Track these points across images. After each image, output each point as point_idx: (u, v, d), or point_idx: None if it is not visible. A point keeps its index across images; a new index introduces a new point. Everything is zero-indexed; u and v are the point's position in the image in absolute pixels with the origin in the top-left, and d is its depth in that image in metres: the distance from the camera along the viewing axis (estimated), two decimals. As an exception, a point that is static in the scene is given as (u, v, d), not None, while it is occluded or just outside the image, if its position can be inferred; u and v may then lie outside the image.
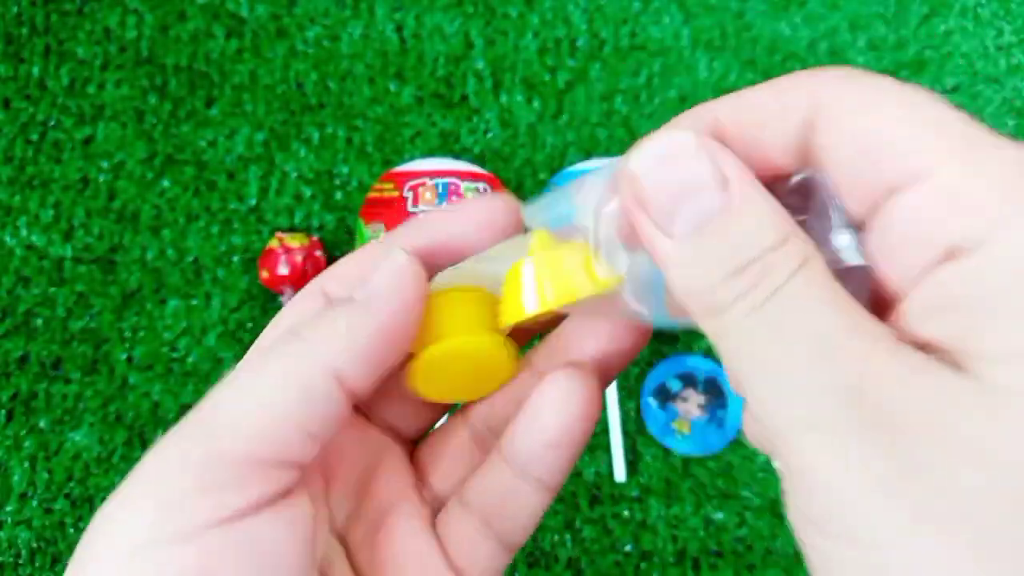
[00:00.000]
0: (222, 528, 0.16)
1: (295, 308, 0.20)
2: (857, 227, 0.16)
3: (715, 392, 0.48)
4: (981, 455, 0.12)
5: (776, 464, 0.15)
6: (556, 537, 0.46)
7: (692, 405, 0.47)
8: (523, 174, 0.52)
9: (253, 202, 0.51)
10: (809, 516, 0.14)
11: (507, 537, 0.20)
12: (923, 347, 0.14)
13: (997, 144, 0.14)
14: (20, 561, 0.45)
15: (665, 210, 0.15)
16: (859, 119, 0.15)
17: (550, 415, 0.19)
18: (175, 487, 0.16)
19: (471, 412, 0.22)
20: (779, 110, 0.16)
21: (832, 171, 0.16)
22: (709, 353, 0.48)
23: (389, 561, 0.20)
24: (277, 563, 0.16)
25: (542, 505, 0.20)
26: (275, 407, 0.16)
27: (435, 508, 0.21)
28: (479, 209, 0.19)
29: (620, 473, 0.46)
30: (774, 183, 0.16)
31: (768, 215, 0.15)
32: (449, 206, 0.20)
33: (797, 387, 0.14)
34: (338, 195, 0.51)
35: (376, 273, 0.18)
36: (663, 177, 0.16)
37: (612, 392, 0.47)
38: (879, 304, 0.15)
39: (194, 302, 0.49)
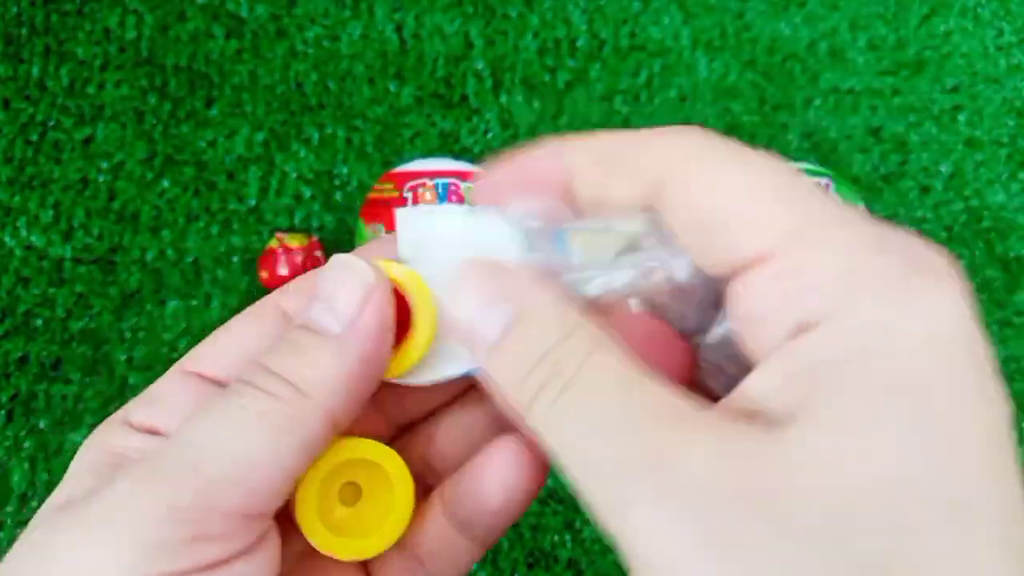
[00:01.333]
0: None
1: (249, 324, 0.19)
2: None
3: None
4: (772, 512, 0.13)
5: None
6: (556, 537, 0.46)
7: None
8: (523, 174, 0.52)
9: (253, 202, 0.51)
10: None
11: None
12: (756, 416, 0.14)
13: (842, 220, 0.15)
14: (20, 562, 0.45)
15: (474, 333, 0.17)
16: (705, 193, 0.15)
17: (495, 484, 0.19)
18: (161, 533, 0.15)
19: (410, 444, 0.21)
20: (631, 168, 0.16)
21: (680, 235, 0.16)
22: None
23: None
24: None
25: (476, 556, 0.21)
26: (277, 462, 0.16)
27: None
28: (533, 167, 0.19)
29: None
30: None
31: (551, 315, 0.16)
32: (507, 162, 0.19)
33: (603, 470, 0.14)
34: (338, 195, 0.51)
35: (347, 294, 0.17)
36: (467, 309, 0.17)
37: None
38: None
39: (194, 303, 0.49)
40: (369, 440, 0.19)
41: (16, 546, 0.16)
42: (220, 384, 0.18)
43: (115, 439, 0.18)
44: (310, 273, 0.20)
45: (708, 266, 0.16)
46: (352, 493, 0.19)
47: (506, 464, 0.19)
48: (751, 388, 0.14)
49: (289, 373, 0.17)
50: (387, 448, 0.19)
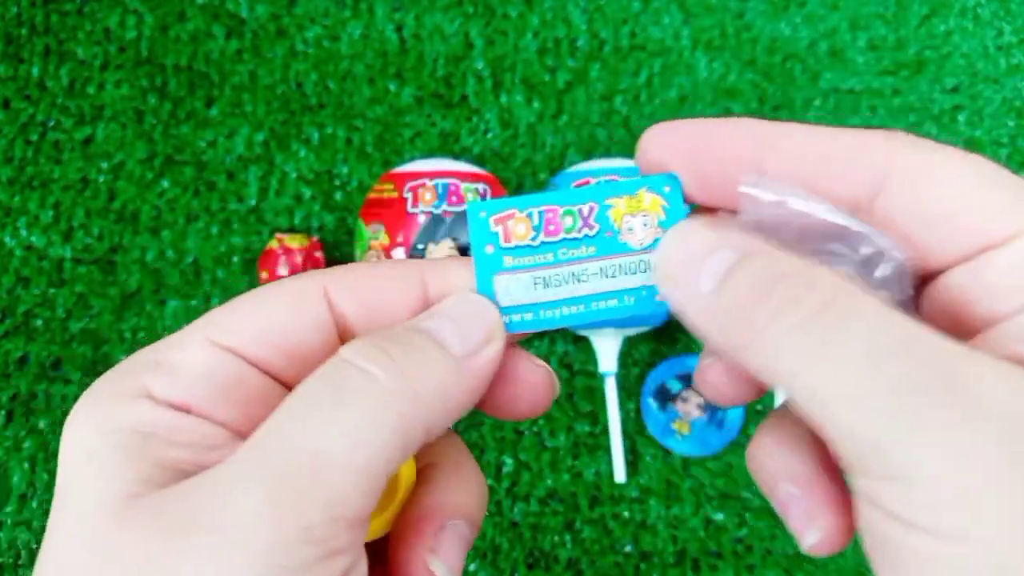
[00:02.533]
0: None
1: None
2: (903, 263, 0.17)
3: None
4: None
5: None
6: (556, 538, 0.46)
7: (692, 406, 0.47)
8: (523, 174, 0.52)
9: (253, 202, 0.51)
10: (911, 518, 0.13)
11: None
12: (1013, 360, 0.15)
13: None
14: (20, 562, 0.45)
15: (690, 275, 0.17)
16: (936, 186, 0.16)
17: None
18: (295, 557, 0.14)
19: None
20: (849, 168, 0.17)
21: (906, 226, 0.17)
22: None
23: None
24: None
25: None
26: (387, 463, 0.15)
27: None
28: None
29: (620, 474, 0.46)
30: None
31: (782, 254, 0.16)
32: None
33: (874, 399, 0.13)
34: (338, 195, 0.51)
35: (475, 327, 0.17)
36: (681, 253, 0.17)
37: (612, 393, 0.47)
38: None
39: (194, 303, 0.49)
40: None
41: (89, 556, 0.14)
42: (244, 358, 0.17)
43: (138, 414, 0.16)
44: (359, 265, 0.19)
45: (935, 256, 0.16)
46: None
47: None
48: (1004, 336, 0.15)
49: (408, 367, 0.16)
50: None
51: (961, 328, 0.16)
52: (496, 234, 0.19)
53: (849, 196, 0.17)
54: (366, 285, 0.18)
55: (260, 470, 0.14)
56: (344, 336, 0.18)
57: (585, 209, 0.19)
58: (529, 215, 0.19)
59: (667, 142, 0.19)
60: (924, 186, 0.16)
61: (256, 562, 0.13)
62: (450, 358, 0.17)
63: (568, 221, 0.19)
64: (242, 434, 0.16)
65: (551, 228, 0.19)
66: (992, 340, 0.15)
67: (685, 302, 0.17)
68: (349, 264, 0.19)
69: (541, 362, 0.19)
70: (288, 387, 0.17)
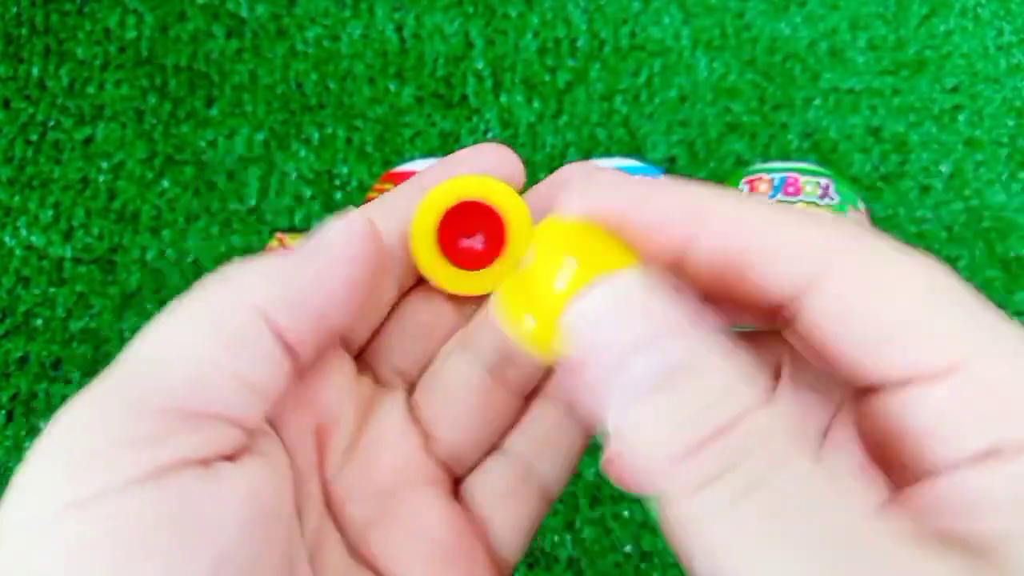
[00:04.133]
0: (143, 486, 0.13)
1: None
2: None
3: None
4: None
5: None
6: (556, 537, 0.46)
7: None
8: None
9: (253, 202, 0.51)
10: None
11: (547, 486, 0.19)
12: (949, 535, 0.13)
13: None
14: (20, 562, 0.45)
15: (610, 368, 0.13)
16: (871, 294, 0.14)
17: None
18: (88, 444, 0.14)
19: (472, 342, 0.19)
20: (780, 266, 0.14)
21: (831, 339, 0.14)
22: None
23: (405, 543, 0.17)
24: (215, 532, 0.14)
25: (582, 444, 0.19)
26: (199, 350, 0.15)
27: (449, 467, 0.19)
28: (483, 157, 0.19)
29: (620, 473, 0.46)
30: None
31: (737, 369, 0.13)
32: (447, 159, 0.19)
33: None
34: (338, 195, 0.51)
35: (323, 230, 0.17)
36: (606, 329, 0.13)
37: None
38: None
39: (194, 302, 0.49)
40: (484, 178, 0.19)
41: None
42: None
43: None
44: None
45: (860, 376, 0.14)
46: (466, 230, 0.19)
47: None
48: (935, 508, 0.13)
49: (228, 271, 0.16)
50: (503, 186, 0.19)
51: (890, 460, 0.15)
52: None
53: (775, 296, 0.15)
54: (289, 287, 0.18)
55: (114, 372, 0.15)
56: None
57: None
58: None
59: (590, 197, 0.16)
60: (856, 297, 0.14)
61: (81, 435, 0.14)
62: (285, 254, 0.17)
63: None
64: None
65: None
66: (923, 502, 0.13)
67: (594, 403, 0.13)
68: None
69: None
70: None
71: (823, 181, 0.49)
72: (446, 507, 0.18)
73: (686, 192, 0.15)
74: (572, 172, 0.18)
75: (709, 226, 0.15)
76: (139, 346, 0.15)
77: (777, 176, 0.48)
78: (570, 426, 0.19)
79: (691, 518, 0.12)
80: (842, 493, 0.12)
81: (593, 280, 0.14)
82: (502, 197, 0.19)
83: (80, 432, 0.14)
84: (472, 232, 0.19)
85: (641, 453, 0.13)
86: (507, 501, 0.18)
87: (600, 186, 0.16)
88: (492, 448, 0.19)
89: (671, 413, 0.12)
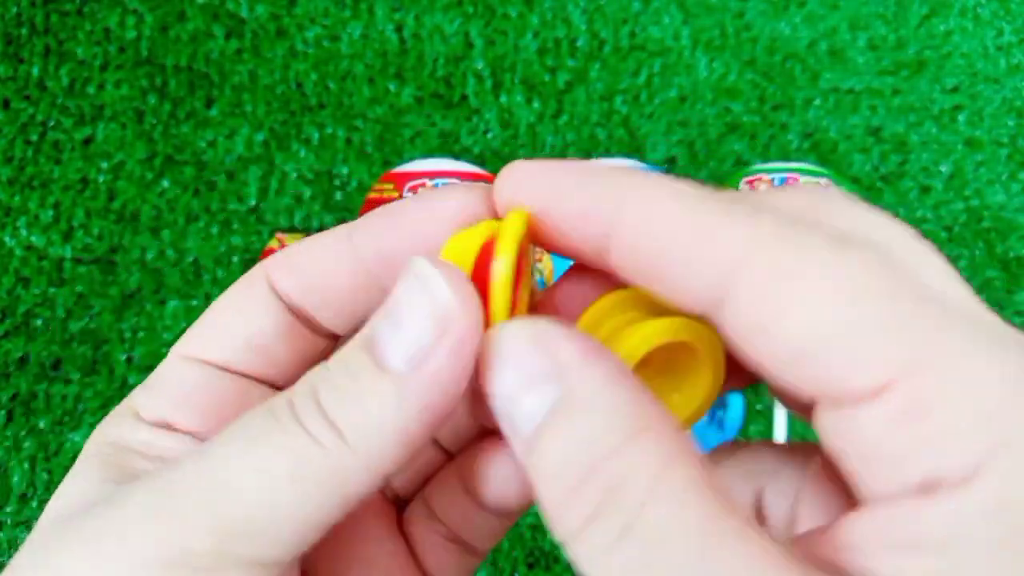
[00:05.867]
0: None
1: (235, 304, 0.17)
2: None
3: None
4: None
5: None
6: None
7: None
8: (523, 174, 0.52)
9: (253, 202, 0.51)
10: None
11: (474, 545, 0.19)
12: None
13: (974, 343, 0.11)
14: (20, 562, 0.45)
15: (506, 404, 0.13)
16: (789, 301, 0.12)
17: (497, 489, 0.17)
18: (164, 573, 0.13)
19: None
20: (694, 263, 0.13)
21: (750, 350, 0.13)
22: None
23: (355, 566, 0.18)
24: None
25: (506, 525, 0.18)
26: (306, 517, 0.14)
27: (395, 503, 0.19)
28: (453, 202, 0.16)
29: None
30: None
31: (606, 405, 0.12)
32: (416, 198, 0.17)
33: None
34: (338, 195, 0.51)
35: (420, 321, 0.14)
36: (501, 376, 0.14)
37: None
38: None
39: (194, 303, 0.49)
40: (680, 319, 0.15)
41: (17, 556, 0.15)
42: (222, 368, 0.17)
43: (123, 431, 0.16)
44: (297, 243, 0.17)
45: (788, 388, 0.13)
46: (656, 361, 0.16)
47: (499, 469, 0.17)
48: (862, 545, 0.12)
49: (337, 416, 0.14)
50: (700, 325, 0.15)
51: (837, 481, 0.14)
52: None
53: (693, 306, 0.13)
54: (301, 262, 0.17)
55: (161, 490, 0.14)
56: (300, 316, 0.17)
57: None
58: None
59: (522, 185, 0.15)
60: (773, 303, 0.12)
61: (122, 570, 0.13)
62: (391, 382, 0.14)
63: None
64: None
65: None
66: (854, 536, 0.12)
67: (519, 448, 0.13)
68: (293, 245, 0.17)
69: None
70: (267, 384, 0.17)
71: (823, 181, 0.49)
72: (398, 540, 0.18)
73: (608, 183, 0.14)
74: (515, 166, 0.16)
75: (621, 226, 0.14)
76: (223, 472, 0.14)
77: (777, 176, 0.48)
78: (489, 516, 0.18)
79: (578, 559, 0.12)
80: (719, 529, 0.11)
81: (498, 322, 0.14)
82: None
83: (157, 563, 0.13)
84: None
85: (538, 488, 0.13)
86: (439, 553, 0.18)
87: (526, 178, 0.15)
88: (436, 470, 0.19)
89: (557, 449, 0.13)
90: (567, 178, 0.15)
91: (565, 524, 0.12)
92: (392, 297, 0.14)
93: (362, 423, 0.14)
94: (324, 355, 0.17)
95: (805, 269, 0.12)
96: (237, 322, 0.17)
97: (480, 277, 0.15)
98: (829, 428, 0.12)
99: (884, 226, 0.14)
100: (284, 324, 0.17)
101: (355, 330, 0.16)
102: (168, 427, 0.16)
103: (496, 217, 0.16)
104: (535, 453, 0.13)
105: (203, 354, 0.17)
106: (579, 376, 0.13)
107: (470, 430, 0.19)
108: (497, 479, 0.17)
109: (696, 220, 0.13)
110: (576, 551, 0.12)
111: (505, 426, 0.14)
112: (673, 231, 0.13)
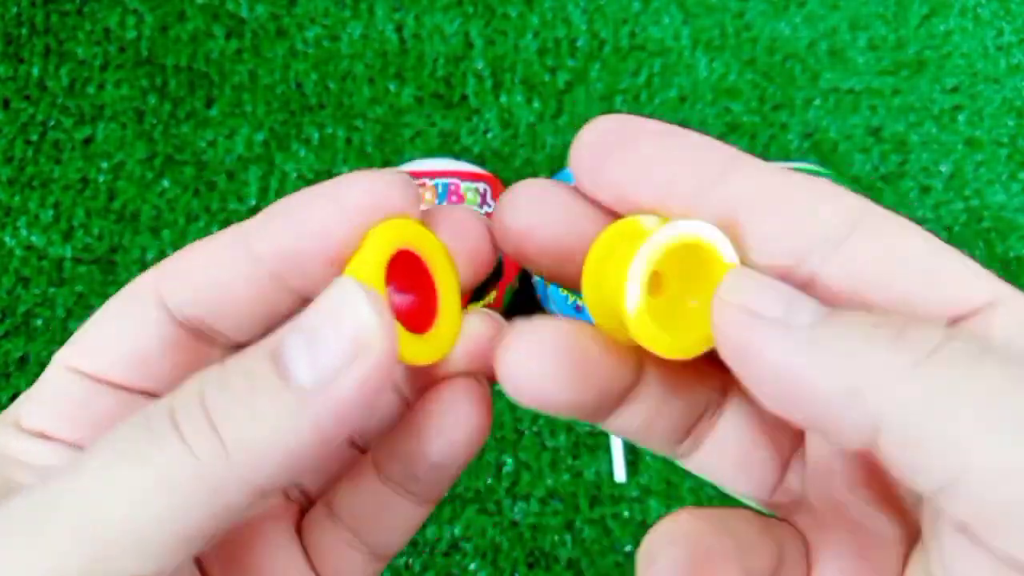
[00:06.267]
0: None
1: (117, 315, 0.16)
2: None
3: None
4: None
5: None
6: (556, 537, 0.46)
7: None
8: (523, 174, 0.52)
9: (253, 202, 0.51)
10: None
11: (381, 548, 0.18)
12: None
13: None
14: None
15: (778, 305, 0.14)
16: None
17: (439, 436, 0.16)
18: None
19: None
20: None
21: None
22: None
23: (250, 574, 0.17)
24: None
25: (421, 517, 0.18)
26: (179, 532, 0.13)
27: (298, 503, 0.19)
28: (361, 192, 0.15)
29: (620, 473, 0.46)
30: None
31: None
32: (314, 190, 0.16)
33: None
34: (338, 195, 0.51)
35: (335, 339, 0.13)
36: (760, 297, 0.14)
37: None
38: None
39: (194, 302, 0.49)
40: (414, 224, 0.16)
41: None
42: (106, 383, 0.16)
43: (5, 440, 0.16)
44: (188, 249, 0.16)
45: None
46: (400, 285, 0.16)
47: (451, 413, 0.16)
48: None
49: (222, 423, 0.13)
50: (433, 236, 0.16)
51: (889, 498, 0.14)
52: None
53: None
54: (191, 271, 0.16)
55: (31, 504, 0.13)
56: (193, 328, 0.16)
57: None
58: None
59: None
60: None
61: None
62: (291, 396, 0.13)
63: None
64: None
65: None
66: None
67: (766, 340, 0.13)
68: (181, 252, 0.16)
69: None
70: (145, 392, 0.16)
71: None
72: (295, 548, 0.18)
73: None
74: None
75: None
76: (92, 492, 0.13)
77: (777, 176, 0.48)
78: (402, 504, 0.18)
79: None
80: None
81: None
82: (433, 249, 0.16)
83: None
84: (405, 288, 0.16)
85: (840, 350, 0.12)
86: (339, 559, 0.18)
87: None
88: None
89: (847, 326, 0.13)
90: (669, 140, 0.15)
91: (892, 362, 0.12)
92: (308, 311, 0.14)
93: (248, 436, 0.13)
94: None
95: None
96: (119, 335, 0.16)
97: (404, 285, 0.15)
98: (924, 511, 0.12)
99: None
100: (170, 337, 0.16)
101: (260, 337, 0.15)
102: (49, 437, 0.16)
103: (395, 209, 0.15)
104: (827, 324, 0.13)
105: (83, 365, 0.16)
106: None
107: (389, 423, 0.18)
108: (454, 424, 0.16)
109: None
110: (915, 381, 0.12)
111: (768, 313, 0.13)
112: (778, 202, 0.14)
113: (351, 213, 0.15)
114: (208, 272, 0.16)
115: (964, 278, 0.13)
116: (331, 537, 0.18)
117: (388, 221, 0.15)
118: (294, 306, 0.16)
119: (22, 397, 0.16)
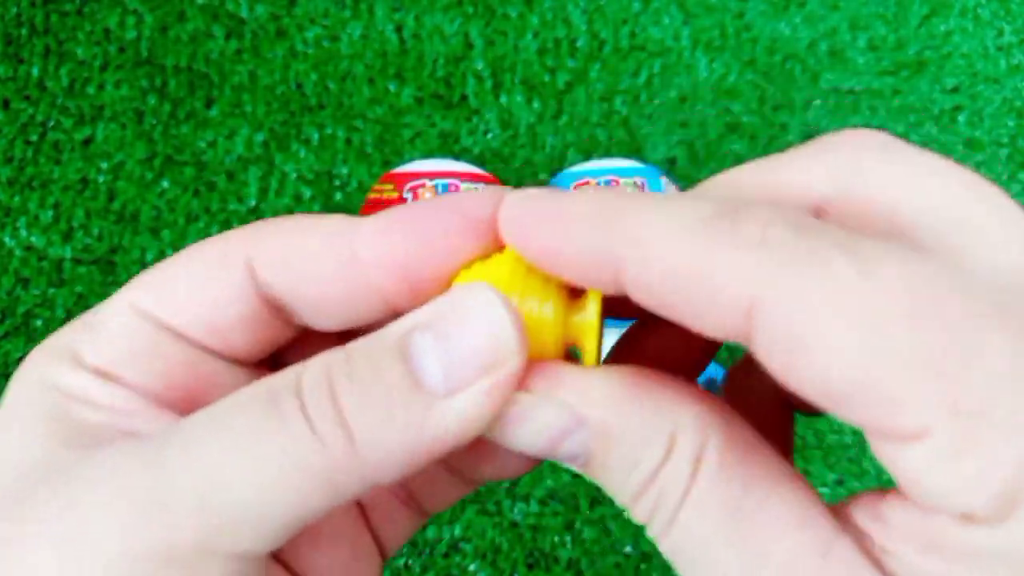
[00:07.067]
0: None
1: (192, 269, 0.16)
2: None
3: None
4: None
5: None
6: (556, 538, 0.46)
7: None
8: (523, 175, 0.52)
9: (253, 203, 0.51)
10: None
11: (430, 509, 0.19)
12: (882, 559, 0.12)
13: (1020, 376, 0.11)
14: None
15: (553, 454, 0.14)
16: (822, 352, 0.11)
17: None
18: (145, 570, 0.13)
19: None
20: (712, 300, 0.12)
21: (781, 380, 0.12)
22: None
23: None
24: None
25: (468, 489, 0.18)
26: (298, 516, 0.13)
27: None
28: (476, 205, 0.15)
29: (620, 474, 0.46)
30: None
31: (642, 430, 0.13)
32: (425, 203, 0.16)
33: None
34: (338, 196, 0.51)
35: (471, 350, 0.13)
36: (527, 438, 0.14)
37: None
38: None
39: (194, 303, 0.49)
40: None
41: None
42: (176, 333, 0.16)
43: (63, 375, 0.15)
44: (281, 221, 0.16)
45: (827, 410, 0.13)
46: None
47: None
48: (896, 525, 0.12)
49: (354, 421, 0.13)
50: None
51: None
52: None
53: (721, 335, 0.13)
54: (292, 257, 0.16)
55: (139, 471, 0.13)
56: (273, 305, 0.16)
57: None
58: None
59: (528, 228, 0.15)
60: (794, 345, 0.12)
61: (97, 565, 0.13)
62: (420, 399, 0.13)
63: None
64: (160, 400, 0.16)
65: None
66: (880, 532, 0.13)
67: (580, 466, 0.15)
68: (277, 223, 0.16)
69: None
70: (214, 353, 0.16)
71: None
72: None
73: (613, 226, 0.13)
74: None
75: (634, 274, 0.13)
76: (213, 467, 0.13)
77: (777, 176, 0.48)
78: (453, 481, 0.18)
79: (655, 541, 0.14)
80: (742, 506, 0.13)
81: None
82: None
83: (140, 564, 0.13)
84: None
85: (610, 487, 0.15)
86: (389, 513, 0.18)
87: (533, 221, 0.14)
88: None
89: (611, 474, 0.14)
90: (574, 222, 0.14)
91: (638, 516, 0.14)
92: (442, 312, 0.14)
93: (378, 436, 0.13)
94: (288, 342, 0.17)
95: (825, 305, 0.11)
96: (203, 293, 0.16)
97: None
98: (876, 448, 0.12)
99: (934, 190, 0.13)
100: (251, 308, 0.16)
101: (338, 329, 0.16)
102: (111, 377, 0.15)
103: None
104: (599, 472, 0.14)
105: (159, 313, 0.16)
106: (603, 418, 0.14)
107: None
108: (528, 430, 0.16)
109: (706, 261, 0.12)
110: (650, 531, 0.14)
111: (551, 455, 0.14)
112: (686, 276, 0.12)
113: (455, 230, 0.15)
114: (309, 263, 0.16)
115: (887, 401, 0.12)
116: (386, 493, 0.18)
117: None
118: (381, 308, 0.16)
119: (78, 328, 0.16)
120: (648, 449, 0.13)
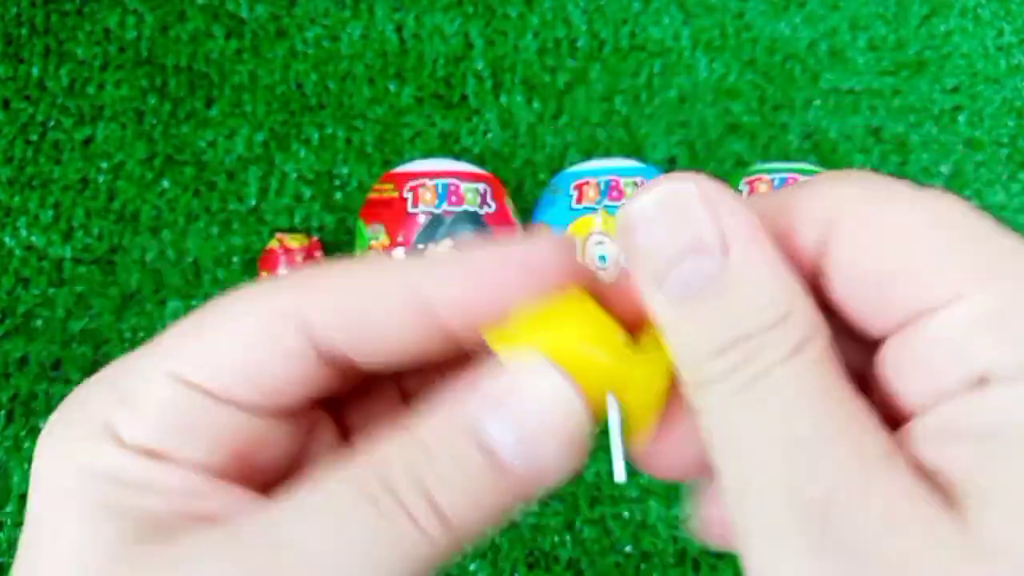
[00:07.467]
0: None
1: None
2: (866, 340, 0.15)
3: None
4: None
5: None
6: (556, 538, 0.46)
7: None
8: (523, 175, 0.52)
9: (253, 203, 0.51)
10: None
11: None
12: (922, 472, 0.13)
13: None
14: (20, 562, 0.45)
15: (659, 267, 0.14)
16: (876, 238, 0.14)
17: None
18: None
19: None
20: (796, 223, 0.14)
21: (847, 288, 0.14)
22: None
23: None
24: None
25: None
26: None
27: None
28: (532, 251, 0.16)
29: (620, 473, 0.46)
30: None
31: (768, 288, 0.14)
32: (489, 246, 0.16)
33: (763, 487, 0.13)
34: (338, 196, 0.51)
35: (540, 425, 0.15)
36: (659, 231, 0.14)
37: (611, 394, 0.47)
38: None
39: (194, 303, 0.49)
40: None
41: None
42: (221, 399, 0.15)
43: (111, 462, 0.14)
44: (329, 270, 0.16)
45: (871, 325, 0.14)
46: None
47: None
48: (919, 436, 0.13)
49: (448, 510, 0.14)
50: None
51: (892, 414, 0.14)
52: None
53: (803, 258, 0.14)
54: (351, 306, 0.15)
55: (237, 551, 0.13)
56: (326, 353, 0.16)
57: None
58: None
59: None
60: (863, 243, 0.14)
61: None
62: (503, 479, 0.14)
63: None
64: (215, 471, 0.15)
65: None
66: (912, 436, 0.13)
67: (645, 292, 0.14)
68: (326, 272, 0.16)
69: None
70: (262, 411, 0.16)
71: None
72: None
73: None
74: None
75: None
76: (312, 541, 0.14)
77: (777, 177, 0.48)
78: None
79: (702, 408, 0.14)
80: (839, 399, 0.13)
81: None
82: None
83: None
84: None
85: (678, 350, 0.14)
86: None
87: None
88: None
89: (701, 321, 0.14)
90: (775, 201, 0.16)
91: (702, 374, 0.14)
92: (502, 390, 0.15)
93: (470, 516, 0.14)
94: (331, 387, 0.17)
95: (892, 206, 0.14)
96: (253, 359, 0.15)
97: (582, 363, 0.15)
98: (888, 357, 0.14)
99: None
100: (308, 367, 0.16)
101: (393, 369, 0.16)
102: (160, 456, 0.15)
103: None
104: (680, 314, 0.14)
105: (202, 379, 0.15)
106: (743, 253, 0.14)
107: None
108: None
109: (796, 187, 0.15)
110: (703, 395, 0.14)
111: (644, 269, 0.14)
112: (776, 197, 0.15)
113: (521, 272, 0.16)
114: (371, 310, 0.16)
115: (929, 273, 0.14)
116: None
117: (574, 296, 0.16)
118: (441, 346, 0.16)
119: (110, 402, 0.15)
120: (765, 310, 0.14)
